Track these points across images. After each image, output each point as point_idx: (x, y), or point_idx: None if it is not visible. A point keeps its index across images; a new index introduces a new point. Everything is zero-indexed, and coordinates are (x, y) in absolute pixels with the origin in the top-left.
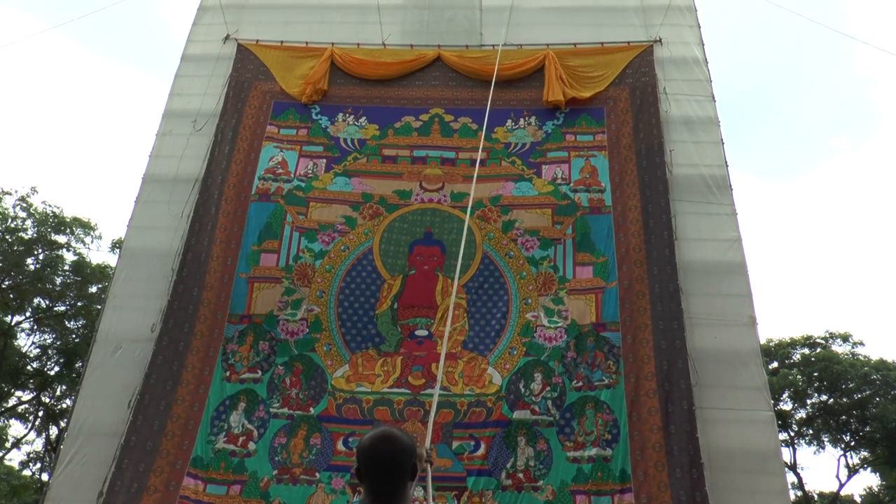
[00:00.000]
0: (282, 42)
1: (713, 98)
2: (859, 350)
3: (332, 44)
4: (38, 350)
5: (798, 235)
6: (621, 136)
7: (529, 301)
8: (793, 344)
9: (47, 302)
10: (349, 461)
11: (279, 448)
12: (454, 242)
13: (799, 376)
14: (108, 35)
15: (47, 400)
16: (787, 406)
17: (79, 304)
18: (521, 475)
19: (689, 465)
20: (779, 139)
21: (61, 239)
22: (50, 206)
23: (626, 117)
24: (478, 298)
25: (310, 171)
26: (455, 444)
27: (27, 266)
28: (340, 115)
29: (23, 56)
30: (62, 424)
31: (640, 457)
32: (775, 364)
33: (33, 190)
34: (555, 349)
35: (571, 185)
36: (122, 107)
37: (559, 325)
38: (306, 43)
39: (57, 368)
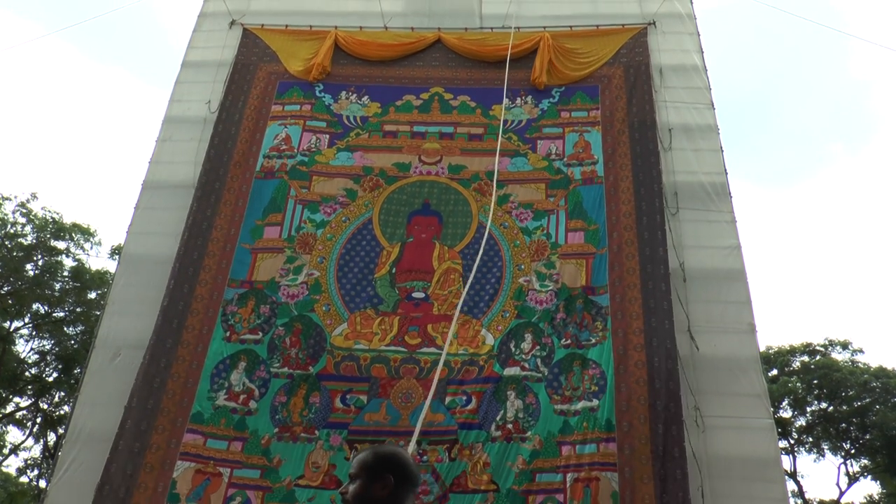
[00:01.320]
0: (286, 26)
1: (712, 105)
2: (859, 357)
3: (336, 27)
4: (36, 356)
5: (797, 242)
6: (615, 110)
7: (522, 267)
8: (792, 351)
9: (46, 308)
10: (346, 418)
11: (280, 407)
12: (451, 213)
13: (798, 384)
14: (108, 41)
15: (45, 406)
16: (786, 413)
17: (78, 309)
18: (510, 426)
19: (671, 420)
20: (776, 145)
21: (61, 245)
22: (50, 211)
23: (619, 93)
24: (472, 264)
25: (313, 146)
26: (448, 400)
27: (26, 272)
28: (343, 93)
29: (23, 61)
30: (60, 431)
31: (625, 408)
32: (775, 371)
33: (33, 196)
34: (545, 311)
35: (565, 159)
36: (123, 113)
37: (550, 288)
38: (310, 27)
39: (55, 374)
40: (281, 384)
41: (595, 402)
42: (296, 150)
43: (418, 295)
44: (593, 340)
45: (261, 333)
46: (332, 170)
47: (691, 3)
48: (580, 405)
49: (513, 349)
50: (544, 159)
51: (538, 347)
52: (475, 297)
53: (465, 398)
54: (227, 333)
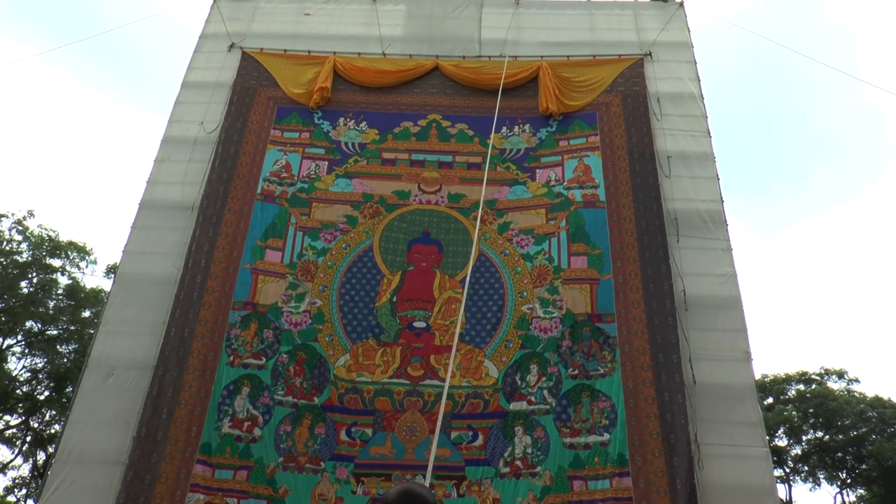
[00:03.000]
0: (285, 51)
1: (709, 133)
2: (855, 387)
3: (335, 52)
4: (28, 374)
5: (793, 270)
6: (614, 137)
7: (525, 294)
8: (788, 380)
9: (39, 325)
10: (353, 451)
11: (284, 436)
12: (451, 241)
13: (794, 412)
14: (109, 62)
15: (36, 424)
16: (782, 442)
17: (71, 328)
18: (518, 463)
19: (684, 453)
20: (773, 174)
21: (56, 263)
22: (46, 229)
23: (618, 121)
24: (474, 293)
25: (312, 173)
26: (454, 435)
27: (21, 289)
28: (342, 119)
29: (22, 81)
30: (50, 450)
31: (638, 443)
32: (770, 400)
33: (30, 213)
34: (550, 340)
35: (565, 183)
36: (123, 132)
37: (554, 315)
38: (308, 52)
39: (47, 393)
40: (285, 413)
41: (606, 437)
42: (296, 178)
43: (419, 325)
44: (601, 371)
45: (264, 359)
46: (331, 196)
47: (688, 32)
48: (591, 439)
49: (519, 382)
50: (544, 186)
51: (544, 378)
52: (476, 327)
53: (471, 434)
54: (231, 358)
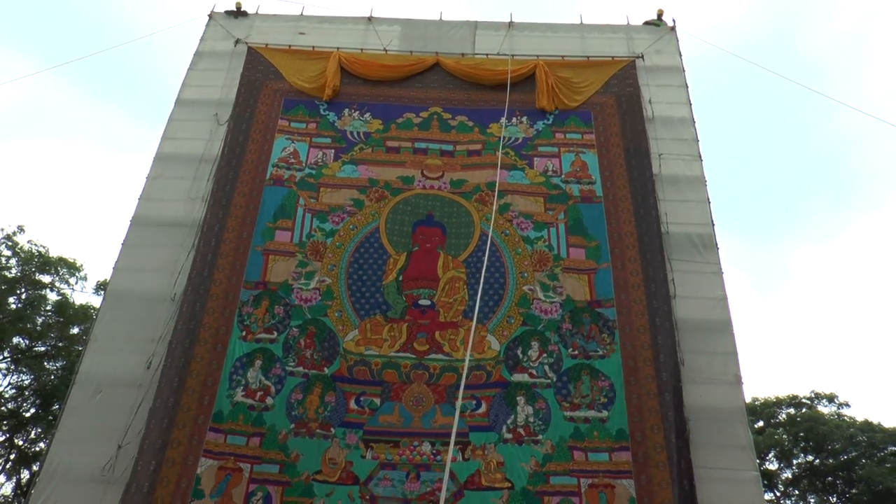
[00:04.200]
0: (290, 46)
1: (700, 157)
2: (845, 411)
3: (338, 48)
4: (13, 391)
5: (784, 295)
6: (609, 136)
7: (525, 275)
8: (778, 403)
9: (27, 342)
10: (361, 418)
11: (295, 404)
12: (454, 224)
13: (785, 436)
14: (102, 77)
15: (21, 442)
16: (772, 465)
17: (59, 344)
18: (521, 430)
19: (678, 430)
20: (760, 197)
21: (45, 279)
22: (36, 245)
23: (612, 120)
24: (476, 271)
25: (319, 160)
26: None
27: (8, 305)
28: (346, 110)
29: (18, 95)
30: (34, 468)
31: (637, 419)
32: (761, 423)
33: (20, 228)
34: (550, 321)
35: (563, 176)
36: (116, 149)
37: (554, 300)
38: (313, 48)
39: (33, 410)
40: (296, 382)
41: (605, 413)
42: (304, 164)
43: (424, 302)
44: (601, 352)
45: (276, 333)
46: (338, 181)
47: (679, 56)
48: (590, 413)
49: (520, 356)
50: (541, 175)
51: (545, 355)
52: (479, 302)
53: (474, 402)
54: (244, 333)
